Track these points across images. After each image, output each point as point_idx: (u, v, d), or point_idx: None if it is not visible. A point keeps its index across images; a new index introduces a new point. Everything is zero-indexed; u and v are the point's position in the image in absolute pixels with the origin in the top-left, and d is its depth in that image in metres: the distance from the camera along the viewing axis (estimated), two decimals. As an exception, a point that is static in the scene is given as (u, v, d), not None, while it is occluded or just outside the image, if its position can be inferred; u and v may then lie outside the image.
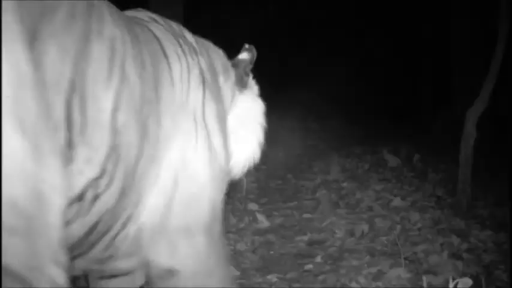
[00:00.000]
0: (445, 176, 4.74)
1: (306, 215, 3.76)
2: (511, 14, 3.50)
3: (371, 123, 10.99)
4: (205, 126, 1.35)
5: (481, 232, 3.14)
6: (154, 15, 1.46)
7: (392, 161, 5.28)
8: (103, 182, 1.05)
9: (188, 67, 1.36)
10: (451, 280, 1.90)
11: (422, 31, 11.18)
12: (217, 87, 1.52)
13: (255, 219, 3.62)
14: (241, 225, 3.47)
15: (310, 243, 3.19)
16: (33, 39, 0.82)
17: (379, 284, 2.42)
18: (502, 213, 3.61)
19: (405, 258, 2.62)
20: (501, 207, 3.73)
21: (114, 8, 1.15)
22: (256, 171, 5.20)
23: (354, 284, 2.45)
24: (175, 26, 1.49)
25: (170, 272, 1.29)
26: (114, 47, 1.08)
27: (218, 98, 1.47)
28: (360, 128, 9.82)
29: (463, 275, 2.43)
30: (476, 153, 3.66)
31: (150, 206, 1.23)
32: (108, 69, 1.05)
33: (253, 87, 1.86)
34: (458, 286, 1.89)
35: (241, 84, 1.75)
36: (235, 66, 1.76)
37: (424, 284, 2.19)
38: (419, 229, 3.25)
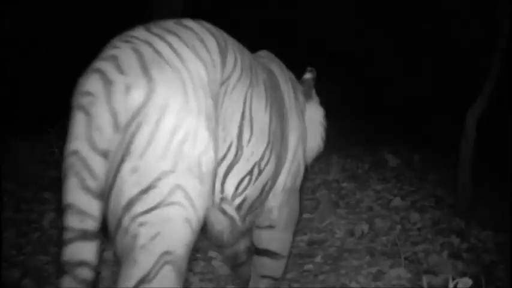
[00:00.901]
0: (445, 176, 4.74)
1: (306, 215, 3.75)
2: (511, 14, 3.50)
3: (371, 123, 11.00)
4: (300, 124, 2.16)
5: (481, 232, 3.14)
6: (266, 54, 2.25)
7: (392, 161, 5.28)
8: (263, 163, 1.71)
9: (288, 88, 2.14)
10: (450, 280, 1.89)
11: (423, 31, 11.16)
12: (301, 98, 2.34)
13: (255, 219, 3.62)
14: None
15: (310, 243, 3.19)
16: (221, 87, 1.48)
17: (379, 284, 2.42)
18: (502, 213, 3.61)
19: (405, 258, 2.62)
20: (501, 207, 3.73)
21: (257, 60, 1.87)
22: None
23: (354, 284, 2.44)
24: (273, 58, 2.24)
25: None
26: (265, 86, 1.78)
27: (301, 106, 2.29)
28: (360, 128, 9.83)
29: (463, 275, 2.43)
30: (476, 153, 3.66)
31: (282, 175, 2.00)
32: (265, 101, 1.74)
33: (316, 98, 2.56)
34: (458, 286, 1.89)
35: (308, 96, 2.46)
36: (302, 83, 2.47)
37: (424, 284, 2.19)
38: (419, 229, 3.25)
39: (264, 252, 2.09)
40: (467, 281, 1.91)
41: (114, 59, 1.27)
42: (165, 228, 1.22)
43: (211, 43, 1.48)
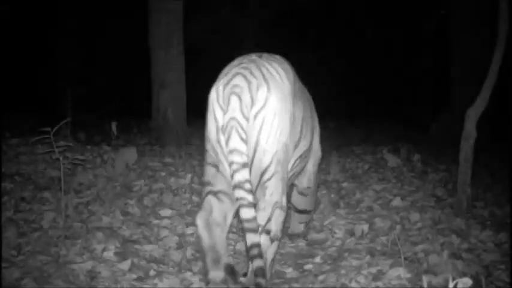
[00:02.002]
0: (445, 176, 4.74)
1: (306, 215, 3.75)
2: (511, 14, 3.49)
3: (371, 123, 10.99)
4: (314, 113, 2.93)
5: (481, 232, 3.13)
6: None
7: (392, 161, 5.27)
8: (304, 154, 2.65)
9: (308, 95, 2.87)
10: (450, 280, 1.89)
11: (423, 31, 11.20)
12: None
13: (255, 219, 3.61)
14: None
15: (310, 243, 3.19)
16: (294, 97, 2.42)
17: (379, 284, 2.41)
18: (502, 213, 3.61)
19: (405, 258, 2.62)
20: (501, 207, 3.73)
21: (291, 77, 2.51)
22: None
23: (354, 284, 2.44)
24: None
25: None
26: (302, 93, 2.67)
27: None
28: (360, 128, 9.83)
29: (463, 275, 2.43)
30: (476, 153, 3.66)
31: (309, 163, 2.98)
32: (303, 107, 2.57)
33: None
34: (458, 286, 1.89)
35: None
36: None
37: (424, 284, 2.18)
38: (419, 229, 3.24)
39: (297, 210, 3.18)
40: (467, 281, 1.91)
41: (248, 69, 2.26)
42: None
43: (290, 68, 2.50)
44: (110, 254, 2.62)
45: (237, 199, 2.06)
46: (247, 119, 2.16)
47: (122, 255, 2.63)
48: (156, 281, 2.41)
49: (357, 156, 6.05)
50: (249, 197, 2.05)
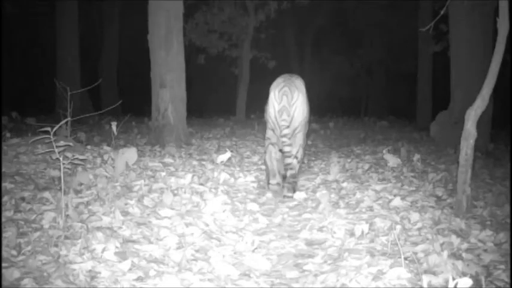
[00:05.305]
0: (445, 176, 4.74)
1: (306, 215, 3.75)
2: (510, 14, 3.49)
3: (371, 123, 10.98)
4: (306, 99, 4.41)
5: (481, 232, 3.13)
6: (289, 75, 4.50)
7: (392, 161, 5.27)
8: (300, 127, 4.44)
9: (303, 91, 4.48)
10: (451, 280, 1.89)
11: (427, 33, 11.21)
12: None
13: (255, 219, 3.62)
14: (241, 225, 3.47)
15: (310, 243, 3.19)
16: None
17: (379, 284, 2.41)
18: (502, 213, 3.61)
19: (405, 258, 2.61)
20: (501, 207, 3.73)
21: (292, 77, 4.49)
22: (256, 171, 5.20)
23: (354, 284, 2.44)
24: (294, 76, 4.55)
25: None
26: (294, 86, 4.38)
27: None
28: (360, 128, 9.82)
29: (463, 275, 2.43)
30: (476, 153, 3.66)
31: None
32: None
33: None
34: (458, 286, 1.89)
35: None
36: None
37: (424, 284, 2.18)
38: (419, 229, 3.24)
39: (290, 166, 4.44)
40: (467, 281, 1.91)
41: (287, 85, 4.26)
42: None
43: (302, 81, 4.46)
44: (110, 254, 2.62)
45: (282, 142, 4.16)
46: (291, 107, 4.14)
47: (122, 255, 2.63)
48: (156, 281, 2.41)
49: (357, 156, 6.05)
50: (288, 142, 4.15)
